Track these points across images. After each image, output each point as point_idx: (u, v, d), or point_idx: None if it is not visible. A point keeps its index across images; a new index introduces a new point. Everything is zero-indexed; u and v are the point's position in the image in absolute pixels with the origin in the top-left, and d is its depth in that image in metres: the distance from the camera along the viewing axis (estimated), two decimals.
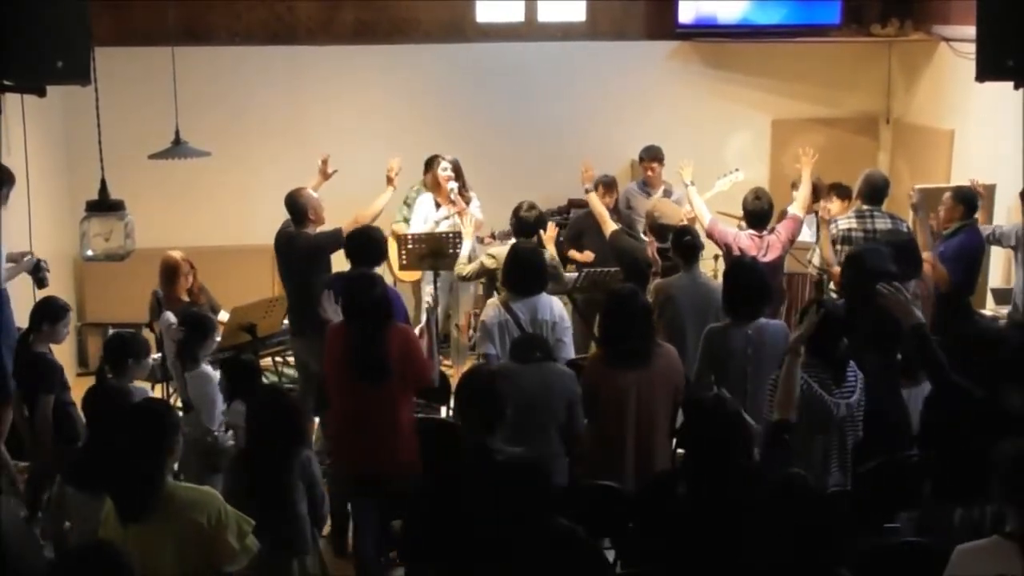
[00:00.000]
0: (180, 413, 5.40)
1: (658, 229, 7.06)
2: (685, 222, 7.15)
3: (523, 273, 6.02)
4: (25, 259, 6.32)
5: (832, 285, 7.35)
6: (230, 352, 6.61)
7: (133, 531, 3.82)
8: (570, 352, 6.00)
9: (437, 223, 8.07)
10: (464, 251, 7.28)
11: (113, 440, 4.20)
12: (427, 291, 8.31)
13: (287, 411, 4.63)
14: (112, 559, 3.36)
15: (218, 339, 6.80)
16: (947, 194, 7.33)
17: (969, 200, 7.22)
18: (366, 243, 6.29)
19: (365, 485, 5.41)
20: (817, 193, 8.20)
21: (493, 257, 7.00)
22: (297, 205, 6.91)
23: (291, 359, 8.05)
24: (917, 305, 5.06)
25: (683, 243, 6.50)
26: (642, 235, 7.55)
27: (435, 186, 8.17)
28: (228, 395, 5.54)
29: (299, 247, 6.84)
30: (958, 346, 4.74)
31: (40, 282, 6.20)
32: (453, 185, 7.96)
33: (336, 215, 7.34)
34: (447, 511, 4.13)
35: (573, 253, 8.40)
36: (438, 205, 8.17)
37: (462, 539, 3.98)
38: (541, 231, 7.41)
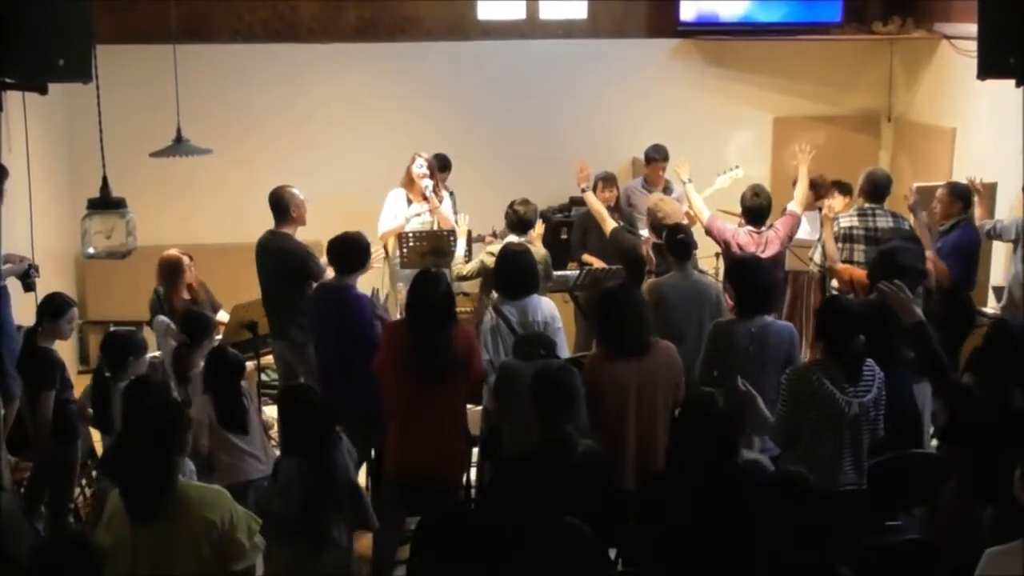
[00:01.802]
0: None
1: (660, 228, 7.05)
2: (686, 220, 7.15)
3: (512, 275, 6.01)
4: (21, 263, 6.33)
5: (834, 282, 7.35)
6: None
7: (145, 531, 3.82)
8: (563, 352, 5.99)
9: (408, 219, 8.00)
10: (459, 251, 7.27)
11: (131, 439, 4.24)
12: (400, 287, 8.26)
13: (315, 405, 4.72)
14: (82, 551, 3.41)
15: (218, 338, 6.83)
16: (941, 190, 7.32)
17: (965, 195, 7.23)
18: (346, 250, 6.20)
19: (420, 484, 5.33)
20: (819, 190, 8.20)
21: (493, 255, 6.98)
22: (281, 201, 6.86)
23: None
24: (918, 303, 5.05)
25: (675, 241, 6.46)
26: (642, 232, 7.55)
27: (409, 183, 8.10)
28: (206, 385, 5.55)
29: (284, 248, 6.77)
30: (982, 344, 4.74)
31: (27, 287, 6.21)
32: (428, 183, 7.91)
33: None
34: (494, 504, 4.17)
35: (587, 257, 8.39)
36: (409, 201, 8.11)
37: (483, 537, 4.00)
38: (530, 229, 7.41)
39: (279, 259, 6.75)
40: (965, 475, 4.52)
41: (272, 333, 6.95)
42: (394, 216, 7.99)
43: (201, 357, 5.95)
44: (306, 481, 4.63)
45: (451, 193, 8.42)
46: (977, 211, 7.50)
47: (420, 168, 7.94)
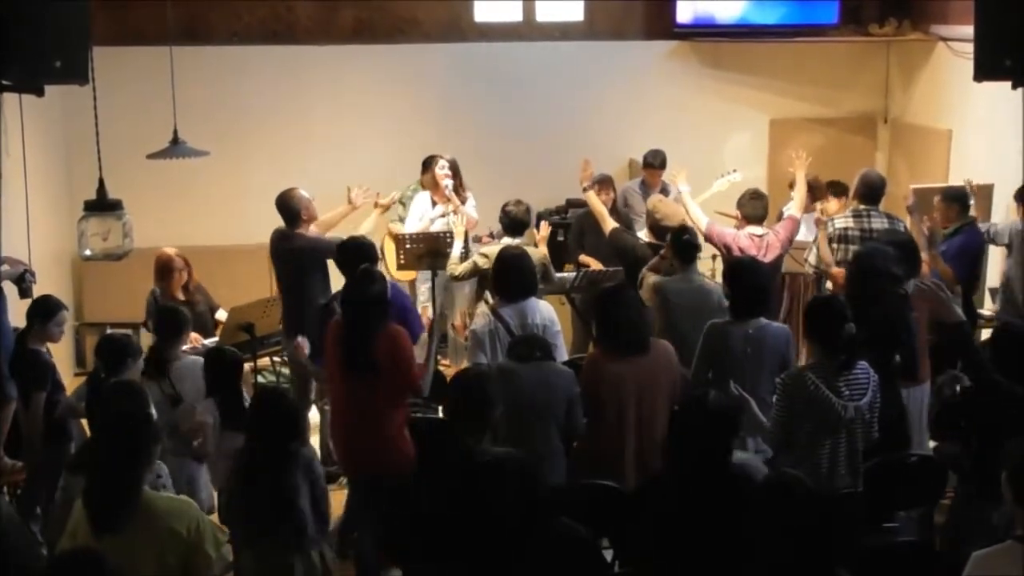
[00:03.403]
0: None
1: (659, 229, 7.05)
2: (687, 221, 7.15)
3: (511, 278, 6.01)
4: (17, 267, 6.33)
5: (829, 285, 7.35)
6: None
7: (108, 542, 3.78)
8: (562, 354, 5.98)
9: (432, 221, 8.08)
10: (455, 251, 7.29)
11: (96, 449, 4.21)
12: (422, 290, 8.33)
13: (287, 410, 4.65)
14: (97, 565, 3.37)
15: (215, 339, 6.83)
16: (936, 197, 7.39)
17: (960, 198, 7.28)
18: (357, 252, 6.23)
19: (360, 482, 5.43)
20: (815, 193, 8.21)
21: (486, 256, 6.98)
22: (289, 205, 6.93)
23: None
24: (957, 303, 5.04)
25: (682, 242, 6.45)
26: (639, 234, 7.54)
27: (433, 185, 8.20)
28: (209, 389, 5.54)
29: (297, 248, 6.86)
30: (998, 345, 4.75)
31: (23, 292, 6.21)
32: (449, 182, 7.99)
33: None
34: (438, 512, 4.13)
35: (584, 258, 8.39)
36: (434, 203, 8.19)
37: (455, 539, 3.98)
38: (534, 230, 7.41)
39: (292, 260, 6.92)
40: (976, 475, 4.53)
41: (287, 331, 6.99)
42: (419, 219, 8.09)
43: (177, 350, 5.96)
44: (233, 474, 4.62)
45: None
46: (975, 213, 7.52)
47: (442, 170, 8.09)
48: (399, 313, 5.96)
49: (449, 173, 8.07)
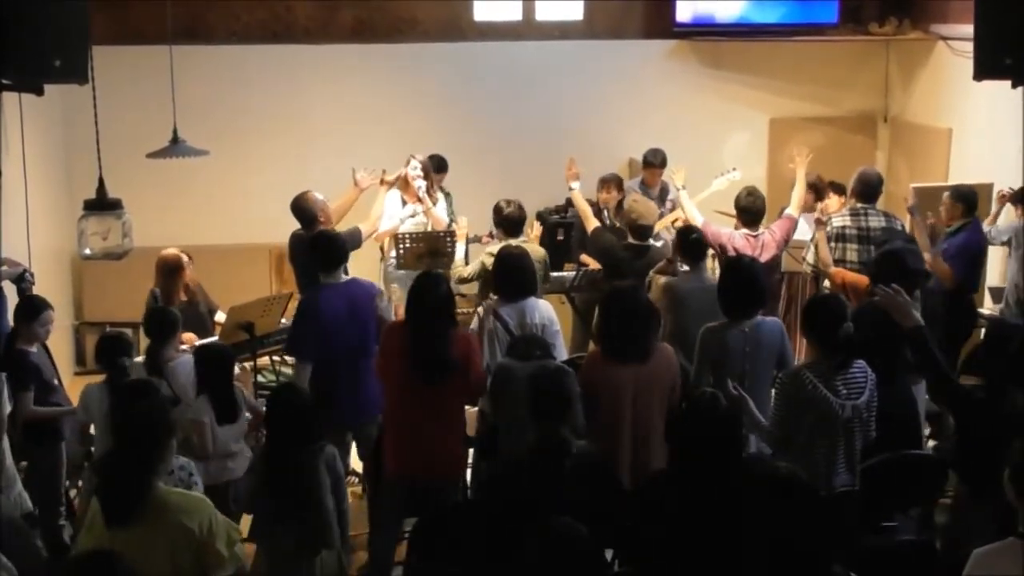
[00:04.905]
0: None
1: (636, 228, 7.07)
2: (676, 221, 7.16)
3: (510, 277, 6.00)
4: (16, 268, 6.32)
5: (827, 284, 7.36)
6: None
7: (119, 536, 3.79)
8: (561, 354, 5.98)
9: (402, 220, 8.05)
10: (459, 254, 7.29)
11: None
12: (394, 288, 8.27)
13: (301, 407, 4.67)
14: (110, 566, 3.37)
15: (214, 339, 6.82)
16: (946, 194, 7.40)
17: (967, 198, 7.28)
18: (333, 247, 6.18)
19: (416, 487, 5.33)
20: (819, 192, 8.20)
21: (493, 256, 6.98)
22: (305, 209, 6.94)
23: (289, 359, 8.05)
24: (916, 307, 5.07)
25: (690, 241, 6.43)
26: None
27: (404, 184, 8.15)
28: (199, 385, 5.53)
29: None
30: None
31: (22, 293, 6.20)
32: (421, 183, 7.95)
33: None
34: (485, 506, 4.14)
35: (584, 258, 8.38)
36: (404, 203, 8.14)
37: (478, 537, 3.99)
38: (528, 229, 7.41)
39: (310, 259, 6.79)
40: (965, 475, 4.54)
41: None
42: (389, 217, 8.04)
43: (171, 350, 5.95)
44: (255, 473, 4.62)
45: (447, 194, 8.44)
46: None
47: (414, 170, 8.00)
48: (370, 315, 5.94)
49: (420, 174, 7.96)
